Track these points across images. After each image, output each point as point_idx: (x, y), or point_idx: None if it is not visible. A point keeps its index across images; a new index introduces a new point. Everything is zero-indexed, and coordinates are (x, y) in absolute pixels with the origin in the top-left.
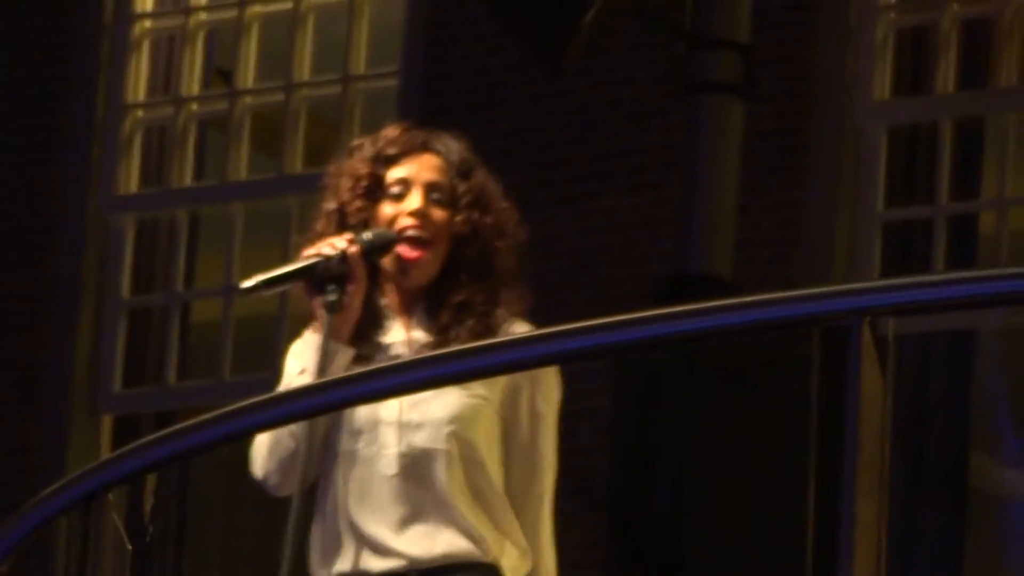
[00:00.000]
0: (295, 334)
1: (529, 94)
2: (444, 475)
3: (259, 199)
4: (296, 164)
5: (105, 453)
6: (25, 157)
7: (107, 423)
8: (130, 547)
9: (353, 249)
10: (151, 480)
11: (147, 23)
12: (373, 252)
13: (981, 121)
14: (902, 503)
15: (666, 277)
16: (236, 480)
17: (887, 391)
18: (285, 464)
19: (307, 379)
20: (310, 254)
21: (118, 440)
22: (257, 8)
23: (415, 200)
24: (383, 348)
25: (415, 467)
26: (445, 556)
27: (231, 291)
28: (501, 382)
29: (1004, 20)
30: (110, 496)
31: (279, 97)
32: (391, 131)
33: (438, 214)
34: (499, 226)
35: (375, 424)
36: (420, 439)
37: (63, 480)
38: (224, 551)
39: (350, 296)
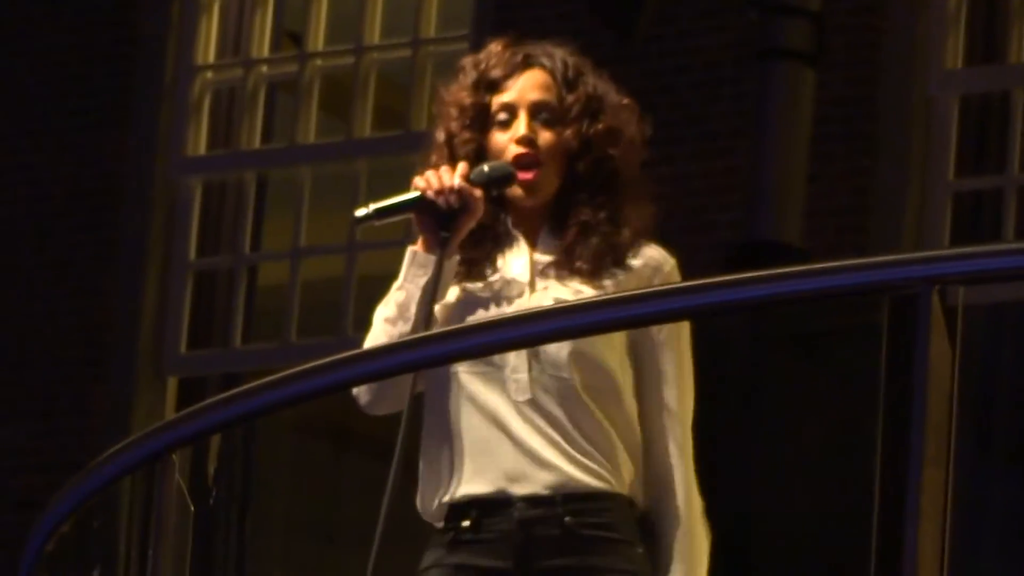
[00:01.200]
0: (362, 297)
1: (600, 58)
2: (577, 404)
3: (327, 163)
4: (365, 128)
5: (170, 415)
6: (94, 118)
7: (172, 385)
8: (193, 508)
9: (470, 188)
10: (216, 442)
11: None
12: (490, 186)
13: None
14: (969, 473)
15: (736, 244)
16: (300, 443)
17: (955, 360)
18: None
19: (404, 297)
20: (424, 188)
21: (183, 402)
22: None
23: (521, 126)
24: (505, 269)
25: (547, 394)
26: (580, 485)
27: (298, 254)
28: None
29: None
30: (174, 457)
31: (348, 60)
32: (493, 48)
33: (546, 135)
34: (612, 132)
35: None
36: (552, 366)
37: (127, 440)
38: (287, 515)
39: (461, 227)
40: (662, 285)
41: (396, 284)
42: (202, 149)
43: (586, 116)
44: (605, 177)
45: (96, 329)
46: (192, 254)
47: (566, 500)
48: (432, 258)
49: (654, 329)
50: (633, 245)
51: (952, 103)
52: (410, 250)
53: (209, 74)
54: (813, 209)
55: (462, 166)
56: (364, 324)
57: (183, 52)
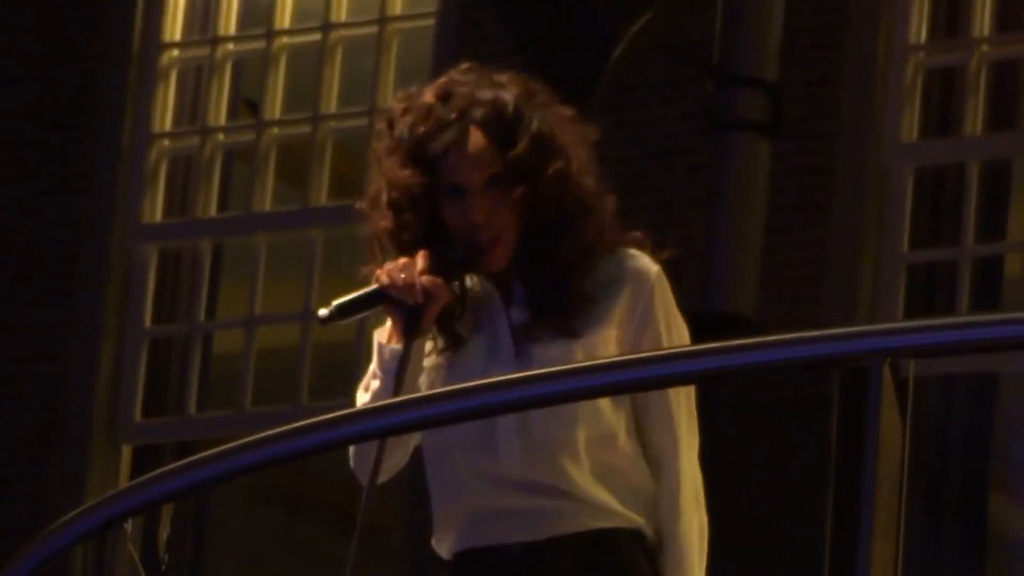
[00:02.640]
0: (317, 366)
1: None
2: (570, 463)
3: (283, 231)
4: (321, 196)
5: (125, 482)
6: (51, 185)
7: (127, 452)
8: None
9: (434, 281)
10: (168, 510)
11: (175, 52)
12: (453, 272)
13: (1008, 163)
14: (921, 546)
15: (690, 315)
16: (253, 511)
17: (906, 433)
18: (362, 452)
19: (378, 386)
20: (388, 284)
21: (138, 470)
22: (285, 39)
23: (473, 211)
24: (482, 329)
25: (538, 455)
26: (581, 531)
27: (253, 322)
28: (611, 334)
29: None
30: (127, 525)
31: (306, 129)
32: (423, 101)
33: (500, 208)
34: (560, 177)
35: None
36: (541, 427)
37: (80, 508)
38: None
39: (428, 316)
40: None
41: (370, 369)
42: (158, 216)
43: (533, 168)
44: (562, 216)
45: (51, 396)
46: (147, 321)
47: (566, 543)
48: (399, 349)
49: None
50: (608, 260)
51: (907, 175)
52: (376, 340)
53: (166, 141)
54: (768, 280)
55: (421, 260)
56: (319, 392)
57: (140, 119)
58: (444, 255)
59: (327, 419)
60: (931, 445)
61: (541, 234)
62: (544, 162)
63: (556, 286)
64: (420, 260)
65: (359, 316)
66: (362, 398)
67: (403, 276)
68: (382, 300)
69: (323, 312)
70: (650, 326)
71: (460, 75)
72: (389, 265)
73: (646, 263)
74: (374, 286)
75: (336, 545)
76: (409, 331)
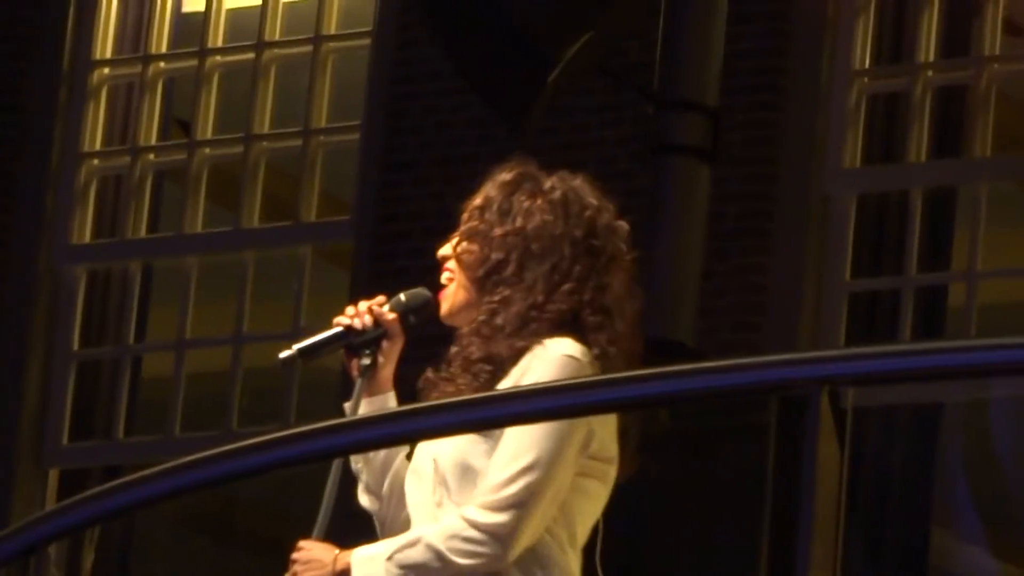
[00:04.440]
0: (248, 390)
1: (492, 151)
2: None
3: (215, 252)
4: (254, 218)
5: (51, 507)
6: None
7: (53, 476)
8: None
9: (389, 316)
10: (93, 536)
11: (105, 71)
12: (409, 313)
13: (953, 191)
14: None
15: None
16: (180, 537)
17: (844, 463)
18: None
19: None
20: (343, 322)
21: (64, 494)
22: (217, 58)
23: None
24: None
25: (395, 520)
26: None
27: (183, 346)
28: None
29: (978, 88)
30: (50, 550)
31: (238, 149)
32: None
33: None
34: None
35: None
36: (419, 487)
37: (3, 532)
38: None
39: (386, 353)
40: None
41: None
42: (87, 237)
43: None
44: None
45: None
46: (76, 344)
47: None
48: (359, 381)
49: None
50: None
51: (850, 202)
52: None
53: (96, 161)
54: (707, 307)
55: (380, 298)
56: (249, 418)
57: (69, 139)
58: (400, 297)
59: (256, 443)
60: (872, 477)
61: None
62: (471, 233)
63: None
64: (379, 298)
65: (319, 357)
66: None
67: (356, 308)
68: (341, 340)
69: (285, 354)
70: None
71: None
72: (348, 307)
73: (558, 346)
74: (335, 329)
75: (265, 574)
76: (364, 361)
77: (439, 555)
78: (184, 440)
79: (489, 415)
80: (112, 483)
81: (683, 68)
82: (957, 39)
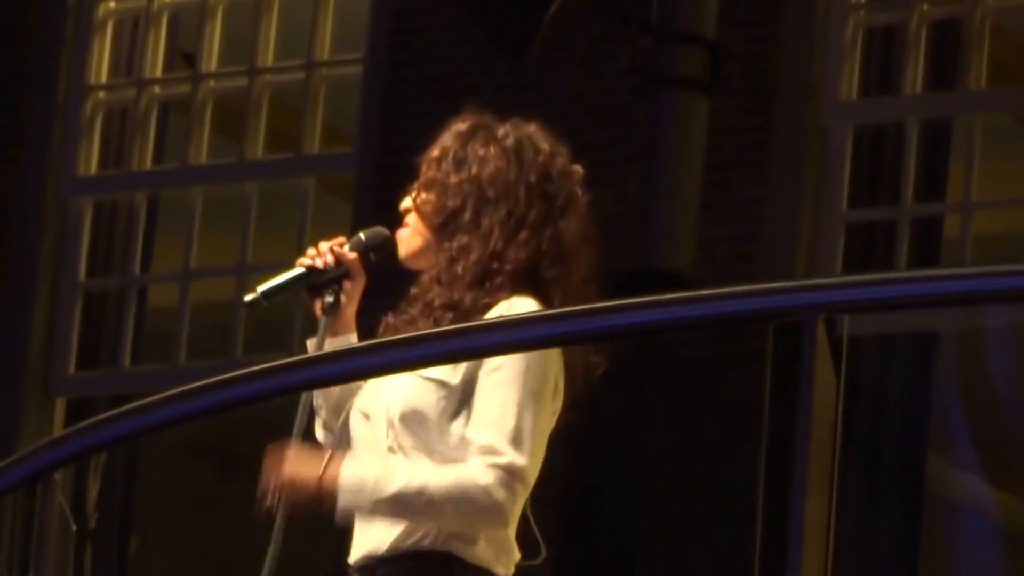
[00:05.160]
0: (252, 320)
1: (494, 84)
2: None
3: (219, 184)
4: (257, 150)
5: (58, 434)
6: None
7: (60, 405)
8: (75, 528)
9: (350, 255)
10: (98, 464)
11: (111, 4)
12: (369, 252)
13: (948, 123)
14: (856, 503)
15: (626, 272)
16: (184, 465)
17: (840, 389)
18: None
19: None
20: (306, 263)
21: (71, 423)
22: None
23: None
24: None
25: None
26: (392, 547)
27: (188, 276)
28: (463, 364)
29: (973, 21)
30: (56, 477)
31: (242, 82)
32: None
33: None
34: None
35: (350, 409)
36: (369, 428)
37: (9, 459)
38: (170, 537)
39: (348, 293)
40: (542, 311)
41: None
42: (93, 169)
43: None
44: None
45: None
46: (82, 274)
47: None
48: (323, 320)
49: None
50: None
51: (846, 134)
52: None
53: (101, 94)
54: (704, 238)
55: (341, 238)
56: (253, 346)
57: (75, 72)
58: (360, 236)
59: (256, 370)
60: (868, 404)
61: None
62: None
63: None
64: (339, 239)
65: (281, 296)
66: None
67: (318, 249)
68: (303, 281)
69: (248, 297)
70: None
71: None
72: (310, 248)
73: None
74: (297, 270)
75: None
76: (327, 299)
77: (452, 493)
78: (189, 369)
79: (480, 344)
80: (117, 410)
81: (681, 2)
82: None
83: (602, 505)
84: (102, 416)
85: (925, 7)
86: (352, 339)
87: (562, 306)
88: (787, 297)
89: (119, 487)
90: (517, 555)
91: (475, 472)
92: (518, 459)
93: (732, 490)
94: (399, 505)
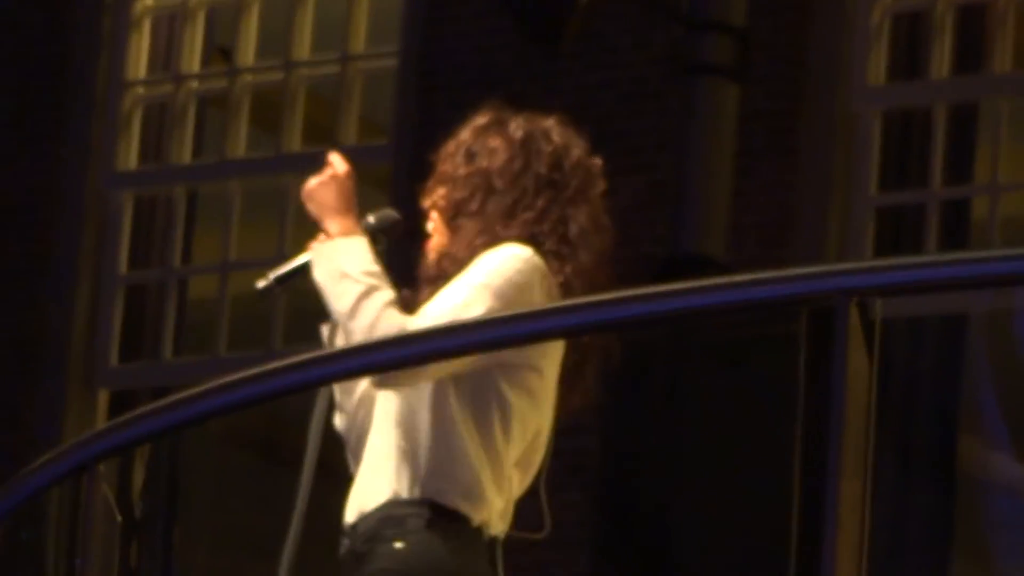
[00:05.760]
0: (290, 311)
1: (527, 73)
2: (377, 443)
3: (257, 177)
4: (294, 143)
5: (101, 427)
6: (26, 132)
7: (103, 397)
8: (120, 519)
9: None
10: (142, 455)
11: (148, 1)
12: (379, 234)
13: (975, 107)
14: (889, 485)
15: (659, 258)
16: (228, 455)
17: (873, 372)
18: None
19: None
20: (314, 246)
21: (114, 415)
22: None
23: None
24: None
25: (359, 438)
26: (375, 509)
27: (227, 268)
28: None
29: (999, 5)
30: (101, 468)
31: (278, 76)
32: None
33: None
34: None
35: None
36: (360, 410)
37: (55, 451)
38: (214, 527)
39: None
40: (578, 300)
41: None
42: (133, 163)
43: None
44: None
45: (27, 342)
46: (123, 267)
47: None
48: None
49: None
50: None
51: (875, 118)
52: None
53: (140, 89)
54: (736, 223)
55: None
56: (292, 337)
57: (114, 67)
58: (369, 219)
59: (295, 361)
60: (900, 386)
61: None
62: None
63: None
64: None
65: (294, 282)
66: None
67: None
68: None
69: (261, 283)
70: None
71: None
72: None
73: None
74: (307, 255)
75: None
76: None
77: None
78: (230, 360)
79: (504, 334)
80: (160, 402)
81: None
82: None
83: (637, 490)
84: (145, 408)
85: None
86: None
87: (573, 279)
88: (819, 282)
89: (163, 478)
90: (493, 503)
91: (403, 317)
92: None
93: (767, 474)
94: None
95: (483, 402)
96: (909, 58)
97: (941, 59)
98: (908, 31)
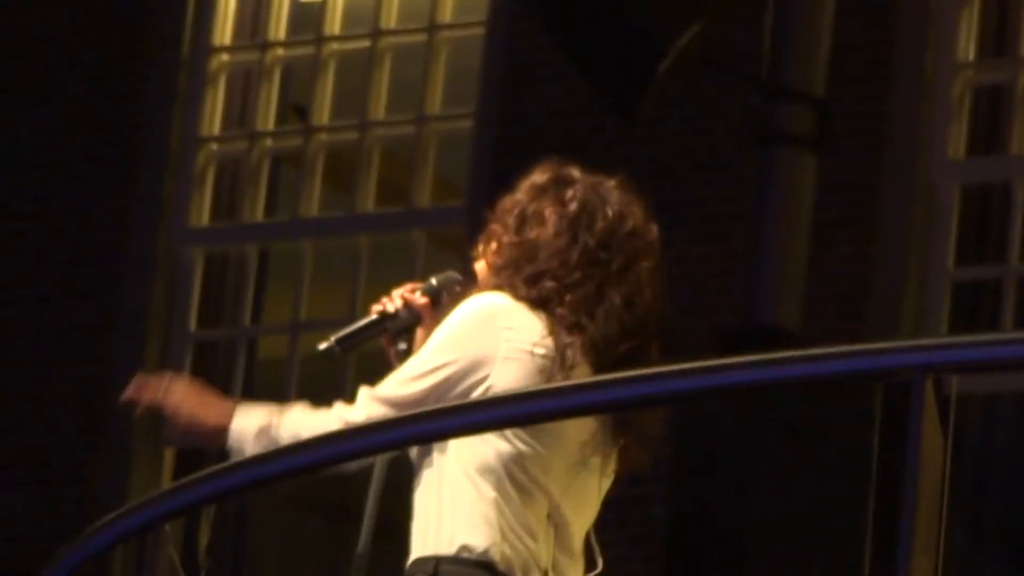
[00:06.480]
0: (360, 372)
1: (603, 140)
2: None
3: (329, 237)
4: (368, 203)
5: (167, 486)
6: (100, 187)
7: (170, 456)
8: None
9: (420, 300)
10: (209, 515)
11: (224, 57)
12: (441, 296)
13: None
14: (961, 564)
15: (734, 328)
16: (293, 517)
17: (947, 450)
18: None
19: None
20: (378, 309)
21: (180, 473)
22: (334, 45)
23: None
24: None
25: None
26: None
27: (298, 328)
28: None
29: None
30: (167, 528)
31: (353, 135)
32: None
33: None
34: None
35: None
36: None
37: (121, 509)
38: None
39: (421, 340)
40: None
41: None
42: (205, 220)
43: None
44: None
45: (96, 397)
46: (193, 325)
47: None
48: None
49: None
50: None
51: (954, 192)
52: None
53: (214, 145)
54: (812, 295)
55: (410, 285)
56: None
57: (188, 123)
58: (432, 282)
59: (364, 427)
60: (974, 463)
61: None
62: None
63: None
64: (409, 285)
65: (355, 344)
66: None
67: (390, 296)
68: (377, 328)
69: (323, 345)
70: None
71: None
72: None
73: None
74: (371, 317)
75: (375, 553)
76: (401, 346)
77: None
78: None
79: (570, 403)
80: (227, 463)
81: (791, 58)
82: None
83: (704, 565)
84: (211, 469)
85: None
86: None
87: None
88: (895, 357)
89: (229, 538)
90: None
91: (344, 409)
92: (389, 392)
93: (839, 551)
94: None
95: (490, 454)
96: (989, 132)
97: (1021, 134)
98: (989, 105)
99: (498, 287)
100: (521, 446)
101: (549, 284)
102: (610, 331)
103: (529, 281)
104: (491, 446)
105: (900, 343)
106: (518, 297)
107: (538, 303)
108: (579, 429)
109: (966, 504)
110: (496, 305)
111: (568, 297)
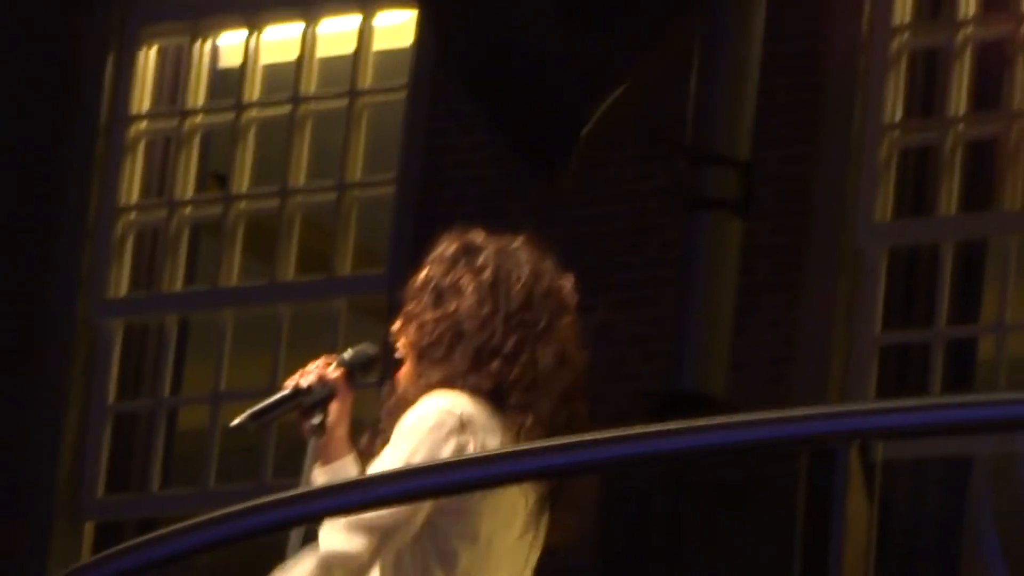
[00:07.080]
0: (282, 443)
1: (526, 205)
2: None
3: (250, 306)
4: (289, 271)
5: (87, 559)
6: (16, 257)
7: (89, 529)
8: None
9: (333, 375)
10: None
11: (142, 125)
12: (355, 371)
13: (983, 244)
14: None
15: (659, 395)
16: None
17: (873, 515)
18: None
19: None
20: (291, 384)
21: (100, 547)
22: (253, 112)
23: None
24: None
25: None
26: None
27: (219, 398)
28: None
29: (1008, 142)
30: None
31: (274, 202)
32: None
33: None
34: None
35: None
36: None
37: None
38: None
39: (336, 414)
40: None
41: None
42: (124, 291)
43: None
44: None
45: (13, 471)
46: (112, 396)
47: None
48: (311, 442)
49: None
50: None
51: (881, 255)
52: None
53: (132, 215)
54: (738, 361)
55: (325, 358)
56: (283, 470)
57: (106, 192)
58: (344, 357)
59: (285, 497)
60: (902, 529)
61: None
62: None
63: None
64: (324, 359)
65: (269, 420)
66: None
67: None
68: (291, 402)
69: (236, 420)
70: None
71: None
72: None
73: (428, 400)
74: (284, 391)
75: None
76: (313, 422)
77: None
78: (219, 492)
79: (482, 473)
80: (146, 537)
81: (715, 122)
82: (988, 92)
83: None
84: (131, 542)
85: (960, 128)
86: (347, 464)
87: (531, 428)
88: (821, 423)
89: None
90: None
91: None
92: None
93: None
94: None
95: (432, 555)
96: (916, 194)
97: (949, 196)
98: (916, 167)
99: (446, 382)
100: (449, 521)
101: (495, 365)
102: (552, 404)
103: (472, 365)
104: (437, 549)
105: (825, 409)
106: (469, 389)
107: (493, 395)
108: (512, 498)
109: (894, 569)
110: (461, 418)
111: (514, 373)
